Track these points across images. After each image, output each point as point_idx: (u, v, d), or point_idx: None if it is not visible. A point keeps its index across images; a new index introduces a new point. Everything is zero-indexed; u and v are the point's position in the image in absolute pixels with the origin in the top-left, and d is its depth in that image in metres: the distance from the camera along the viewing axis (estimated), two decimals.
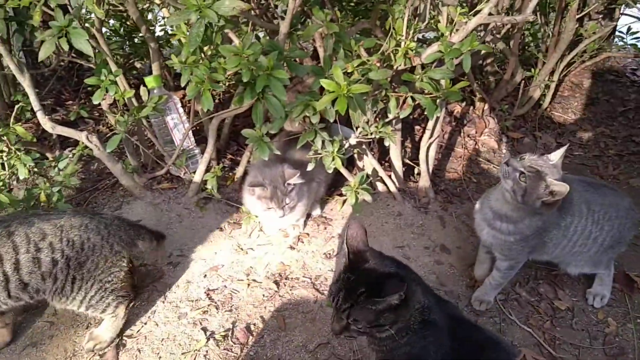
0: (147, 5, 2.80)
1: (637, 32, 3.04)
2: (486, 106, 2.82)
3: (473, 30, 1.74)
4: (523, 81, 2.76)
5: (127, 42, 3.13)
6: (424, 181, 2.31)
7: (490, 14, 1.73)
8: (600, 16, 3.11)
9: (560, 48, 2.61)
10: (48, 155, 2.40)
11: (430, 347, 1.28)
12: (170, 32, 3.05)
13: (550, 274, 2.03)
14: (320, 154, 1.88)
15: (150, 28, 3.08)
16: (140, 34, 2.70)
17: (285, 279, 1.96)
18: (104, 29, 3.08)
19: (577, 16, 2.53)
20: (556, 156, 1.67)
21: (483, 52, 2.65)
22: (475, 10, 1.81)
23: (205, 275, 1.95)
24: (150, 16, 3.25)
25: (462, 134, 2.76)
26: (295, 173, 1.94)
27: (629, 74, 3.57)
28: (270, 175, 1.95)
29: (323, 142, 1.87)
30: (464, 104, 2.87)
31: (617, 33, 3.29)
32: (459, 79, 2.47)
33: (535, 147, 2.70)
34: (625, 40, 3.20)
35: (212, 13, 1.51)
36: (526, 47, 3.24)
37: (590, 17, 3.05)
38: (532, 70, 2.73)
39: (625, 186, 2.51)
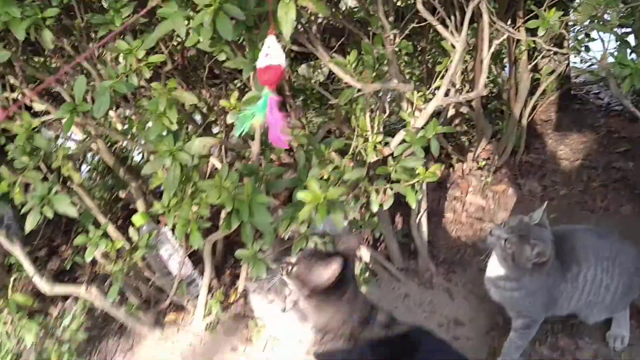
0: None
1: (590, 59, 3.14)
2: (465, 166, 2.89)
3: (433, 112, 1.82)
4: (494, 135, 2.84)
5: (109, 176, 3.19)
6: (422, 257, 2.34)
7: (446, 94, 1.81)
8: (552, 52, 3.24)
9: (521, 97, 2.70)
10: (51, 310, 2.41)
11: None
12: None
13: (567, 325, 2.02)
14: None
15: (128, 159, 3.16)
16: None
17: None
18: (83, 166, 3.17)
19: (529, 65, 2.63)
20: (538, 215, 1.73)
21: (450, 115, 2.74)
22: (433, 87, 1.90)
23: None
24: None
25: (447, 198, 2.81)
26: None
27: (592, 99, 3.66)
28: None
29: (316, 245, 1.91)
30: (442, 167, 2.92)
31: (571, 64, 3.40)
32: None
33: (521, 197, 2.75)
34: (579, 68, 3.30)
35: (185, 155, 1.57)
36: (489, 98, 3.33)
37: (542, 55, 3.17)
38: (500, 122, 2.81)
39: (617, 216, 2.55)
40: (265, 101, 1.21)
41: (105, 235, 1.89)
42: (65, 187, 1.95)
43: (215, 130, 2.51)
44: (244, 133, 1.27)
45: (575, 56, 2.91)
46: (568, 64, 3.22)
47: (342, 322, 1.48)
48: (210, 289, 2.22)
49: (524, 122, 2.89)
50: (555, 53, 3.12)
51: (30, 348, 2.16)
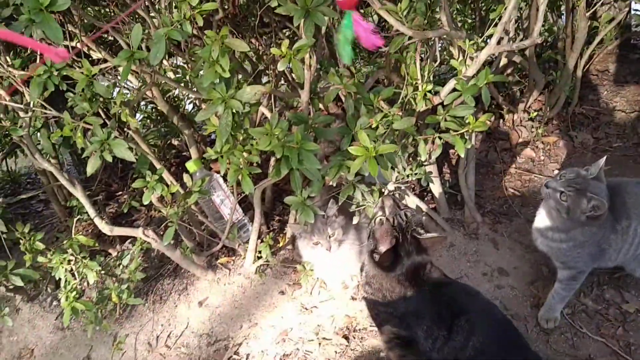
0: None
1: None
2: (515, 116, 2.84)
3: (484, 61, 1.79)
4: (547, 85, 2.77)
5: (162, 124, 3.28)
6: (469, 207, 2.34)
7: (498, 42, 1.77)
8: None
9: (577, 47, 2.61)
10: (110, 251, 2.54)
11: None
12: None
13: (613, 278, 2.02)
14: (362, 205, 1.95)
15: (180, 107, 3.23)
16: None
17: (354, 331, 2.02)
18: (137, 115, 3.26)
19: (588, 13, 2.53)
20: (596, 169, 1.70)
21: (502, 64, 2.68)
22: (485, 35, 1.86)
23: (278, 342, 2.03)
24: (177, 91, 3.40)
25: (497, 148, 2.78)
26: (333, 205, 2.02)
27: None
28: None
29: (363, 193, 1.94)
30: (492, 118, 2.89)
31: (632, 11, 3.25)
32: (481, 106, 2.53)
33: (572, 149, 2.69)
34: None
35: (236, 103, 1.61)
36: (543, 47, 3.24)
37: (601, 2, 3.03)
38: (554, 72, 2.73)
39: None
40: (349, 18, 1.36)
41: (161, 180, 1.96)
42: (123, 133, 2.03)
43: (264, 80, 2.54)
44: (351, 58, 1.44)
45: (636, 3, 2.78)
46: (629, 11, 3.08)
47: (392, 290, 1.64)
48: (259, 234, 2.29)
49: (579, 72, 2.81)
50: (616, 0, 3.00)
51: (92, 285, 2.30)
